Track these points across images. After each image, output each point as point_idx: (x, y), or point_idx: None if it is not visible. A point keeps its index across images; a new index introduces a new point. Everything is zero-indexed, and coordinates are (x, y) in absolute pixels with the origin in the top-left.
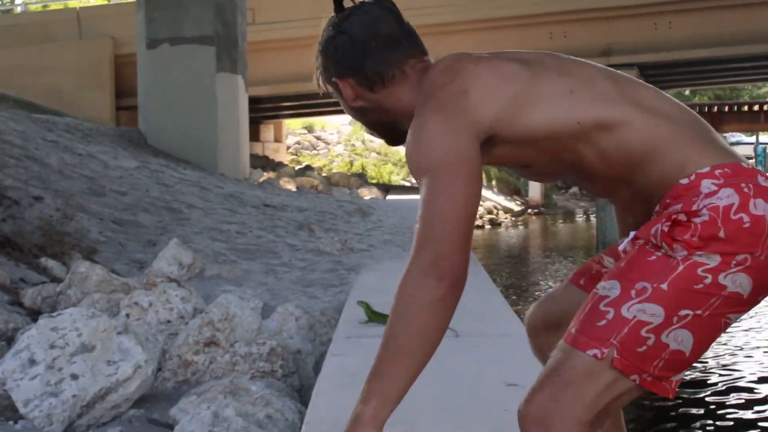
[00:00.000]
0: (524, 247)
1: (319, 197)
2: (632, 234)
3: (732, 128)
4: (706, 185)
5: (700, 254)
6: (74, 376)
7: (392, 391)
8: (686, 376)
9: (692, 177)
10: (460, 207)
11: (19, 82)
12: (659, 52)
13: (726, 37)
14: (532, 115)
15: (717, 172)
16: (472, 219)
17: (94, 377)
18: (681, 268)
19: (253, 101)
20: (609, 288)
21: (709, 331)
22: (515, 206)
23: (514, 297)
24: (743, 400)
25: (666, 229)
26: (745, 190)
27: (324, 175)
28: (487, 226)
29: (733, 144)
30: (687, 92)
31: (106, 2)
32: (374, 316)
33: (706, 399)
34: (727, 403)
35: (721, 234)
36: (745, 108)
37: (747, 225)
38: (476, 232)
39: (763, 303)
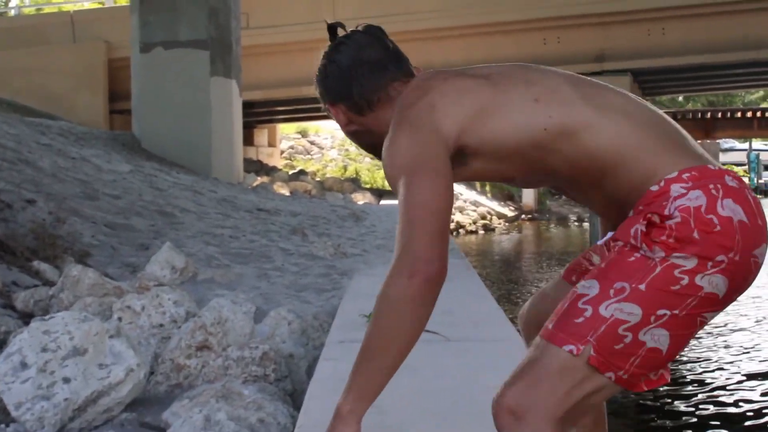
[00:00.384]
0: (518, 253)
1: (312, 202)
2: (610, 234)
3: (725, 135)
4: (676, 189)
5: (677, 256)
6: (66, 380)
7: (367, 387)
8: (687, 376)
9: (662, 183)
10: (429, 207)
11: (12, 85)
12: (653, 58)
13: (719, 44)
14: (498, 125)
15: (684, 175)
16: (443, 218)
17: (86, 381)
18: (659, 269)
19: (247, 105)
20: (588, 287)
21: (685, 329)
22: (509, 212)
23: (507, 302)
24: (739, 398)
25: (644, 229)
26: (713, 191)
27: (317, 179)
28: (481, 232)
29: (726, 150)
30: (680, 98)
31: (100, 6)
32: None
33: (702, 397)
34: (723, 401)
35: (695, 235)
36: (739, 114)
37: (718, 227)
38: (470, 238)
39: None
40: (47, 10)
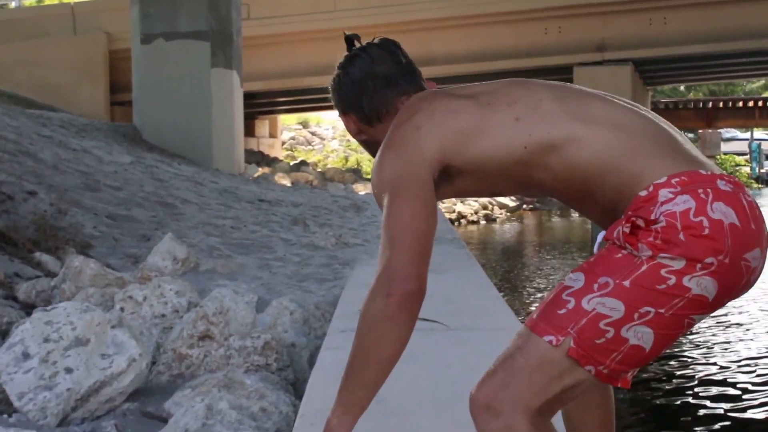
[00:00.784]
0: (519, 243)
1: (314, 192)
2: (601, 234)
3: (727, 124)
4: (664, 194)
5: (664, 256)
6: (68, 370)
7: (352, 401)
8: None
9: (650, 189)
10: (409, 229)
11: (13, 77)
12: (654, 47)
13: (721, 33)
14: (480, 145)
15: (674, 180)
16: (423, 239)
17: (88, 371)
18: (645, 267)
19: (248, 96)
20: (574, 279)
21: (671, 329)
22: (510, 202)
23: (508, 291)
24: (738, 396)
25: (627, 230)
26: (702, 195)
27: (319, 170)
28: (482, 222)
29: (727, 140)
30: (682, 88)
31: None
32: None
33: (702, 397)
34: (722, 400)
35: (682, 237)
36: (740, 104)
37: (707, 230)
38: (471, 228)
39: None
40: (47, 1)
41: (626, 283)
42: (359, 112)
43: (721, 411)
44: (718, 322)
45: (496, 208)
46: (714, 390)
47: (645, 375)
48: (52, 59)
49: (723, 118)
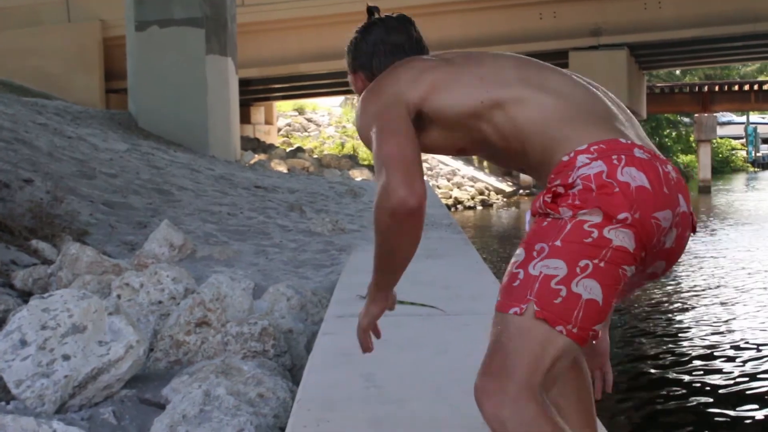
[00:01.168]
0: (515, 228)
1: (310, 179)
2: (528, 213)
3: (722, 108)
4: (581, 160)
5: (583, 212)
6: (66, 357)
7: (382, 282)
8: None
9: (571, 154)
10: (397, 155)
11: (7, 65)
12: (649, 32)
13: (716, 17)
14: (445, 97)
15: (593, 148)
16: (412, 163)
17: (85, 358)
18: (569, 226)
19: (244, 83)
20: (518, 254)
21: (612, 281)
22: (507, 187)
23: None
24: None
25: (548, 199)
26: (615, 161)
27: (315, 156)
28: (479, 207)
29: (723, 124)
30: (678, 72)
31: None
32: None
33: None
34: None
35: (595, 196)
36: (736, 88)
37: (617, 190)
38: (467, 213)
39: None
40: None
41: (558, 242)
42: (368, 73)
43: (722, 410)
44: (715, 326)
45: (492, 193)
46: (716, 383)
47: (645, 375)
48: (47, 47)
49: (719, 101)
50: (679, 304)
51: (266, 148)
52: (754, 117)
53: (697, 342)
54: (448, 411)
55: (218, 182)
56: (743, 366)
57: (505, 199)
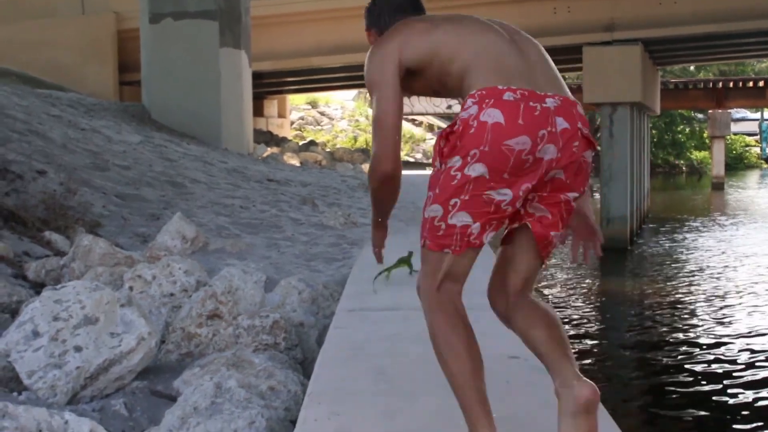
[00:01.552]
0: None
1: (322, 172)
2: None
3: (737, 104)
4: (467, 104)
5: (449, 161)
6: (78, 348)
7: (373, 213)
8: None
9: (466, 98)
10: (383, 123)
11: (21, 57)
12: (663, 27)
13: (730, 12)
14: (426, 51)
15: (477, 93)
16: (393, 130)
17: (97, 349)
18: (443, 176)
19: (257, 76)
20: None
21: (480, 207)
22: None
23: None
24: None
25: (443, 143)
26: (484, 105)
27: (328, 150)
28: None
29: (737, 120)
30: (692, 68)
31: None
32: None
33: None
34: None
35: (460, 137)
36: (750, 84)
37: (473, 129)
38: None
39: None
40: None
41: (437, 191)
42: (377, 29)
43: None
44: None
45: None
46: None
47: (654, 365)
48: (61, 39)
49: (733, 98)
50: (686, 301)
51: (279, 141)
52: None
53: (703, 334)
54: (457, 406)
55: (231, 175)
56: (749, 357)
57: None
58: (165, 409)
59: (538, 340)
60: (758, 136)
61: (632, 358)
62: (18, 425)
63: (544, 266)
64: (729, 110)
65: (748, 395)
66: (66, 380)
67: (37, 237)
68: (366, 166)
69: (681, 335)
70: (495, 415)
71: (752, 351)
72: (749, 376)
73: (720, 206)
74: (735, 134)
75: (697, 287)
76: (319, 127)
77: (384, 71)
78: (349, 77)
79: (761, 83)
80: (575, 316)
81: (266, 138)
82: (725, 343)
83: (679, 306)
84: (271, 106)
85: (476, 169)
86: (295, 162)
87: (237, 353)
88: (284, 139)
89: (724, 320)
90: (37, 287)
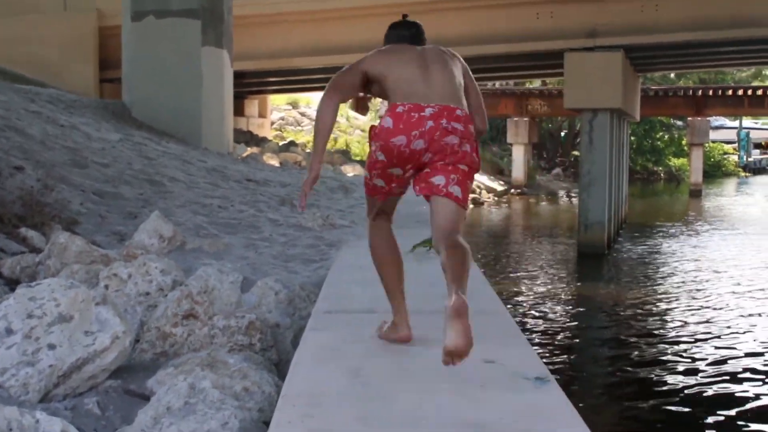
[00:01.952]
0: (506, 227)
1: (302, 173)
2: None
3: (716, 112)
4: (384, 111)
5: (372, 144)
6: (51, 346)
7: (318, 150)
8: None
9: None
10: (336, 79)
11: (2, 53)
12: (645, 34)
13: (711, 21)
14: (386, 74)
15: (389, 105)
16: (339, 84)
17: (71, 347)
18: (369, 154)
19: (238, 76)
20: None
21: (386, 176)
22: (498, 186)
23: (494, 275)
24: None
25: (371, 133)
26: (386, 114)
27: (308, 151)
28: (470, 206)
29: (716, 128)
30: (672, 75)
31: None
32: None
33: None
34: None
35: (376, 133)
36: (730, 92)
37: (378, 129)
38: None
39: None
40: None
41: (367, 162)
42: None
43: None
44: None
45: (483, 192)
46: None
47: (630, 374)
48: (42, 35)
49: (712, 106)
50: (660, 305)
51: (259, 141)
52: (747, 122)
53: (675, 336)
54: (434, 408)
55: (210, 174)
56: (721, 356)
57: (496, 198)
58: (138, 409)
59: (445, 264)
60: (736, 144)
61: (606, 357)
62: None
63: (463, 207)
64: (708, 118)
65: (719, 390)
66: (38, 378)
67: (13, 233)
68: (346, 168)
69: (654, 337)
70: (469, 420)
71: (724, 349)
72: (722, 373)
73: (697, 213)
74: (713, 142)
75: (671, 292)
76: (300, 128)
77: (353, 69)
78: (329, 79)
79: (740, 92)
80: (551, 318)
81: (246, 138)
82: (697, 343)
83: (653, 309)
84: (252, 105)
85: (379, 156)
86: (275, 162)
87: (212, 353)
88: (264, 139)
89: (698, 322)
90: (12, 284)
